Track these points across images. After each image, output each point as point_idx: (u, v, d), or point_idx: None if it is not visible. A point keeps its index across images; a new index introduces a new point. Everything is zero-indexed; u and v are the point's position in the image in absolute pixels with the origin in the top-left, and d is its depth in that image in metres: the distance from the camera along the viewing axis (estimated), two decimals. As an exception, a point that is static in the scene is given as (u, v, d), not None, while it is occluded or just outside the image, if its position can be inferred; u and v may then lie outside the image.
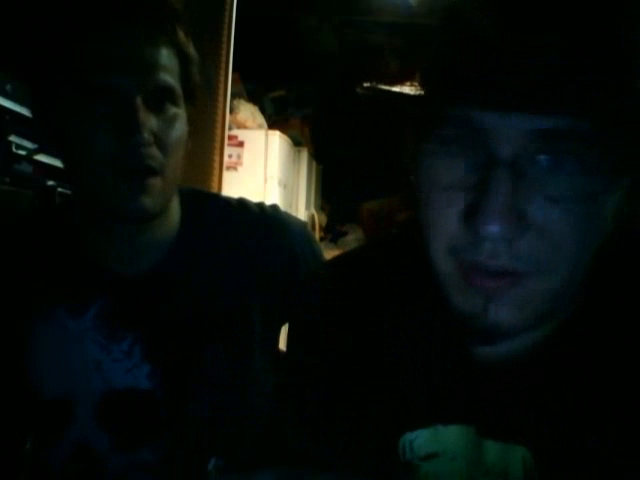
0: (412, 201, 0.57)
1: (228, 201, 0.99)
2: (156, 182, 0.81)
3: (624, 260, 0.57)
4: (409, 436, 0.60)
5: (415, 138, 0.55)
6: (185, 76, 0.85)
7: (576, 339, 0.56)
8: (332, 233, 3.97)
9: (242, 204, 0.98)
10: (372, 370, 0.63)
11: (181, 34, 0.84)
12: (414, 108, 0.55)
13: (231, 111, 2.58)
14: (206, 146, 2.07)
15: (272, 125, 3.20)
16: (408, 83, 0.57)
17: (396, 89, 0.60)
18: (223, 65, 2.10)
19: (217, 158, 2.11)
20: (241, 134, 2.85)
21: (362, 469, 0.62)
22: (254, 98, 3.25)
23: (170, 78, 0.81)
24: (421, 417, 0.60)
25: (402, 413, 0.61)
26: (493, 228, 0.48)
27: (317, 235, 3.52)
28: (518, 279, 0.50)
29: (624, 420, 0.53)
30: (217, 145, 2.11)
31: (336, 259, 0.75)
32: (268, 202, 1.02)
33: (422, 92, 0.54)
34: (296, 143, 3.45)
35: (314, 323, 0.68)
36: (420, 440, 0.60)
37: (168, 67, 0.81)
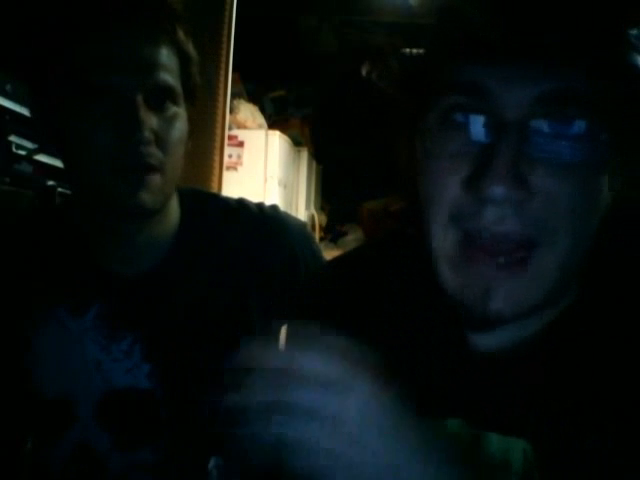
0: (411, 188, 0.57)
1: (228, 201, 0.99)
2: (155, 178, 0.81)
3: (622, 241, 0.57)
4: None
5: (417, 115, 0.55)
6: (185, 75, 0.85)
7: (574, 330, 0.56)
8: (332, 233, 3.97)
9: (242, 204, 0.98)
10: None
11: (181, 34, 0.84)
12: (420, 78, 0.55)
13: (231, 111, 2.58)
14: (206, 146, 2.07)
15: (272, 125, 3.20)
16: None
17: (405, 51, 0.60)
18: (223, 65, 2.10)
19: (217, 158, 2.11)
20: (241, 134, 2.84)
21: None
22: (254, 98, 3.25)
23: (170, 77, 0.81)
24: (419, 412, 0.60)
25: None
26: (499, 189, 0.48)
27: (317, 235, 3.52)
28: (521, 254, 0.50)
29: (626, 414, 0.53)
30: (217, 145, 2.11)
31: (336, 259, 0.75)
32: (268, 202, 1.02)
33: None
34: (296, 143, 3.44)
35: (314, 323, 0.68)
36: None
37: (168, 66, 0.81)
